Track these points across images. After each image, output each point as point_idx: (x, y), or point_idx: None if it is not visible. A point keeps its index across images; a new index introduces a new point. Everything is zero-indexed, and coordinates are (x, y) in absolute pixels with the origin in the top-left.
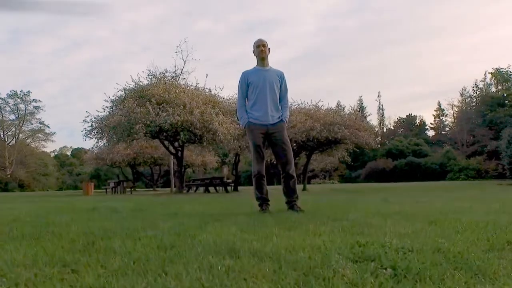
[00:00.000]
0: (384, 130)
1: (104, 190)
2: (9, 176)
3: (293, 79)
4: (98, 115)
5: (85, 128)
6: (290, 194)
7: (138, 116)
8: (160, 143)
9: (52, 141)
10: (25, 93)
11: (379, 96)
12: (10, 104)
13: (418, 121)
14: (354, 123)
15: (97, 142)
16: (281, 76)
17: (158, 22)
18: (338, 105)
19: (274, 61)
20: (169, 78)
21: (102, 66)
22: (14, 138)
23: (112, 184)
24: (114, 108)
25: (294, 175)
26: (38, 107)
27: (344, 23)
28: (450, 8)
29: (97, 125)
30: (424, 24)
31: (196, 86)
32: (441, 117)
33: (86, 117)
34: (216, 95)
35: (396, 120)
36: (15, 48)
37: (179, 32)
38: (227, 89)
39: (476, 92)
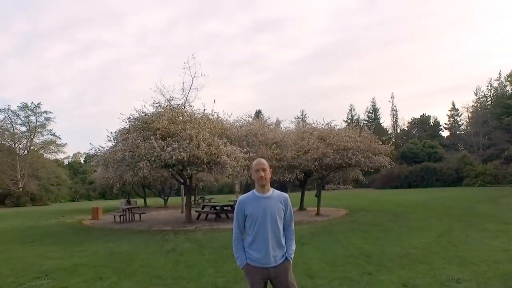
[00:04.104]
0: (398, 131)
1: (113, 216)
2: (21, 189)
3: (303, 78)
4: (102, 148)
5: (90, 161)
6: None
7: (142, 152)
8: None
9: (64, 152)
10: (36, 104)
11: (392, 97)
12: (21, 117)
13: (432, 121)
14: (368, 147)
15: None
16: (285, 203)
17: (167, 23)
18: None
19: (284, 60)
20: (175, 106)
21: (113, 69)
22: (26, 151)
23: (121, 212)
24: (117, 142)
25: None
26: (49, 118)
27: (356, 20)
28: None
29: (101, 159)
30: (434, 20)
31: (204, 111)
32: (456, 117)
33: (90, 149)
34: (224, 121)
35: (410, 120)
36: (27, 53)
37: (188, 32)
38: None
39: (490, 91)
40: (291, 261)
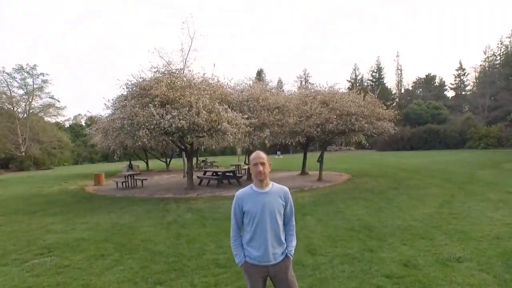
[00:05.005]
0: (402, 91)
1: (116, 182)
2: (23, 153)
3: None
4: (100, 115)
5: (89, 129)
6: None
7: (141, 120)
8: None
9: (63, 115)
10: (32, 66)
11: (397, 56)
12: (17, 79)
13: (437, 81)
14: (372, 112)
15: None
16: (285, 198)
17: None
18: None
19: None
20: (174, 70)
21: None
22: (25, 114)
23: (123, 179)
24: (115, 109)
25: None
26: (46, 80)
27: None
28: None
29: (100, 127)
30: None
31: (203, 75)
32: (462, 77)
33: (88, 117)
34: (225, 85)
35: (415, 80)
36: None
37: None
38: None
39: (500, 50)
40: (291, 258)
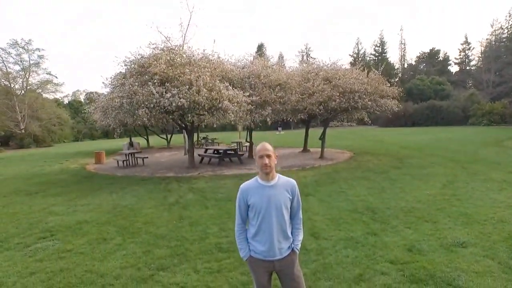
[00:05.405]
0: (405, 66)
1: (116, 161)
2: (23, 131)
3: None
4: (98, 95)
5: (88, 108)
6: None
7: (140, 98)
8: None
9: (62, 92)
10: (27, 41)
11: (401, 30)
12: (12, 55)
13: (441, 55)
14: (376, 89)
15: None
16: (292, 191)
17: None
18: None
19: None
20: (173, 47)
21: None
22: (23, 91)
23: (124, 157)
24: (114, 87)
25: None
26: (42, 56)
27: None
28: None
29: (99, 106)
30: None
31: (203, 51)
32: (467, 51)
33: (87, 93)
34: (225, 62)
35: (419, 55)
36: None
37: None
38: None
39: (508, 23)
40: (298, 252)
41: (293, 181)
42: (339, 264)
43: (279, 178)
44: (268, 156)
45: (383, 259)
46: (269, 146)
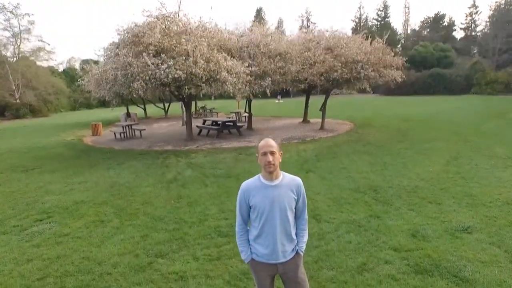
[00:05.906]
0: (409, 31)
1: (113, 133)
2: (18, 101)
3: None
4: (93, 62)
5: (81, 80)
6: None
7: (135, 70)
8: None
9: (55, 60)
10: (15, 5)
11: None
12: (0, 20)
13: (447, 20)
14: (379, 60)
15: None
16: (297, 190)
17: None
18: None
19: None
20: (168, 14)
21: None
22: (15, 58)
23: (121, 129)
24: (107, 58)
25: None
26: (32, 22)
27: None
28: None
29: (92, 79)
30: None
31: (200, 19)
32: (474, 15)
33: (81, 61)
34: (223, 30)
35: (423, 19)
36: None
37: None
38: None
39: None
40: (302, 255)
41: (299, 180)
42: (342, 251)
43: (283, 177)
44: (272, 153)
45: (386, 246)
46: (273, 142)
